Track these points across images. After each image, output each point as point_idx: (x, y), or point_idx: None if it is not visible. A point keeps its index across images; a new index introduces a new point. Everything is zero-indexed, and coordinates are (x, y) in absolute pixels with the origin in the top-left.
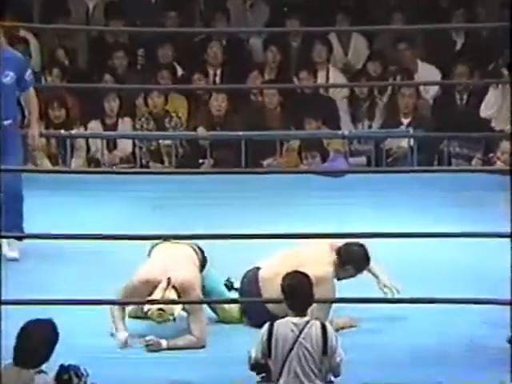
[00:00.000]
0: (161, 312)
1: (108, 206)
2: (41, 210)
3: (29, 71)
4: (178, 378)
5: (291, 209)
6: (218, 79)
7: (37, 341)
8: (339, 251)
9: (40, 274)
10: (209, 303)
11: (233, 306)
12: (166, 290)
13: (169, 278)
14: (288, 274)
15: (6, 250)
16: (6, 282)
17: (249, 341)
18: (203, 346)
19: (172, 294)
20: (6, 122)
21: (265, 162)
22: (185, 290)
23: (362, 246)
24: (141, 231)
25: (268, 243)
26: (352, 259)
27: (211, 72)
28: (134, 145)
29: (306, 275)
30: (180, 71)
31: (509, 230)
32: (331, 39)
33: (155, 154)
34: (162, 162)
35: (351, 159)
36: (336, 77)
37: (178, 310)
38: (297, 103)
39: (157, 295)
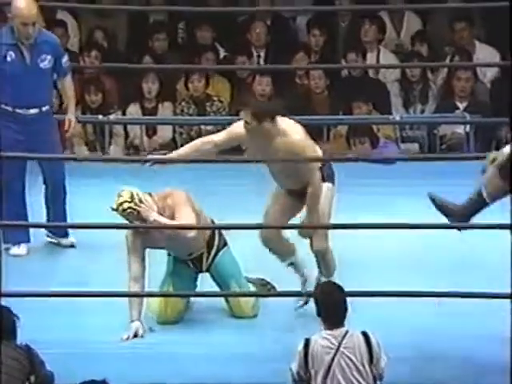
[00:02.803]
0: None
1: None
2: (80, 197)
3: (66, 57)
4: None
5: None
6: (261, 61)
7: None
8: None
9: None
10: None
11: (246, 300)
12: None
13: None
14: (320, 285)
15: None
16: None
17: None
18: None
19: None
20: (43, 109)
21: None
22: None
23: None
24: None
25: None
26: None
27: (255, 54)
28: (175, 130)
29: (339, 286)
30: (222, 53)
31: None
32: (383, 18)
33: (196, 139)
34: None
35: (403, 146)
36: (387, 58)
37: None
38: (345, 87)
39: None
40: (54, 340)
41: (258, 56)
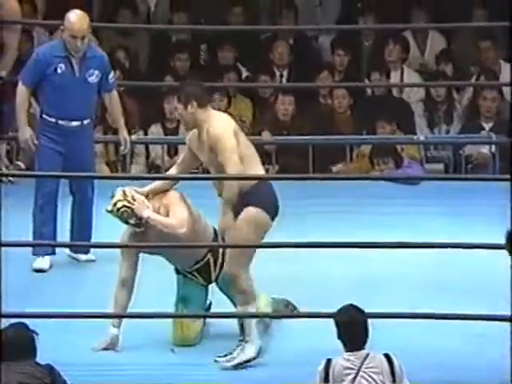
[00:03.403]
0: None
1: None
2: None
3: (112, 73)
4: None
5: (360, 217)
6: (284, 80)
7: None
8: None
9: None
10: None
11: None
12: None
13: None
14: (341, 309)
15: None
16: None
17: None
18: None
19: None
20: (85, 122)
21: (334, 168)
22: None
23: None
24: None
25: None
26: None
27: (277, 73)
28: None
29: (359, 309)
30: (244, 73)
31: None
32: (407, 37)
33: None
34: None
35: (427, 166)
36: (411, 78)
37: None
38: (368, 106)
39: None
40: (76, 361)
41: (281, 75)
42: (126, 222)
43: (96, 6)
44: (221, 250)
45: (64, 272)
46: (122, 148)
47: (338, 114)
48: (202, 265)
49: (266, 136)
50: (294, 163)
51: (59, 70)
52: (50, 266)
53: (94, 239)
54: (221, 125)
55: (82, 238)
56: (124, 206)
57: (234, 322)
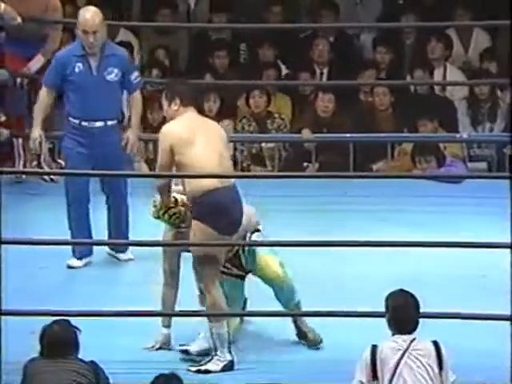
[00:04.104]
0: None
1: None
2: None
3: (136, 73)
4: None
5: (401, 215)
6: (324, 78)
7: None
8: None
9: None
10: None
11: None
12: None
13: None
14: (392, 293)
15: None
16: None
17: None
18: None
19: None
20: (109, 123)
21: (375, 166)
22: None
23: None
24: None
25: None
26: None
27: (318, 71)
28: (235, 147)
29: (412, 294)
30: (284, 70)
31: None
32: (450, 35)
33: (257, 157)
34: (264, 166)
35: (470, 164)
36: (454, 75)
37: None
38: (410, 104)
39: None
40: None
41: (321, 73)
42: (178, 227)
43: (135, 6)
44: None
45: (101, 269)
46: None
47: (379, 111)
48: (232, 255)
49: (306, 134)
50: (334, 161)
51: (77, 69)
52: (85, 264)
53: (131, 238)
54: (169, 127)
55: (119, 237)
56: (176, 213)
57: (275, 319)
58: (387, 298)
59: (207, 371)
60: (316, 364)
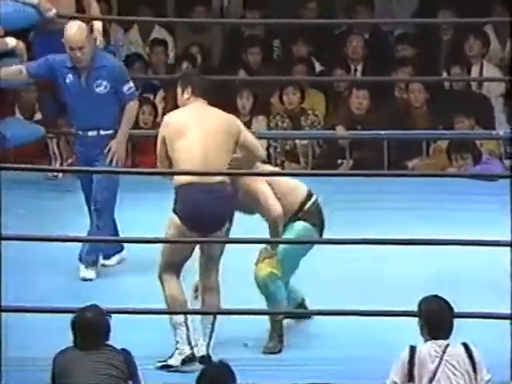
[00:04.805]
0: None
1: None
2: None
3: (128, 84)
4: None
5: (433, 213)
6: (358, 75)
7: None
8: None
9: None
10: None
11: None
12: None
13: None
14: (425, 299)
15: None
16: None
17: None
18: None
19: None
20: (102, 132)
21: (410, 164)
22: None
23: None
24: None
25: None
26: None
27: (352, 67)
28: (269, 144)
29: (445, 300)
30: (318, 67)
31: None
32: (488, 32)
33: (290, 153)
34: (298, 163)
35: (507, 162)
36: (491, 72)
37: None
38: (446, 101)
39: None
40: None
41: (355, 70)
42: None
43: (170, 3)
44: None
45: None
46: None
47: (414, 108)
48: None
49: (340, 130)
50: (369, 158)
51: (68, 80)
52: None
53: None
54: (167, 119)
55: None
56: None
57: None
58: (420, 304)
59: (168, 366)
60: (352, 362)
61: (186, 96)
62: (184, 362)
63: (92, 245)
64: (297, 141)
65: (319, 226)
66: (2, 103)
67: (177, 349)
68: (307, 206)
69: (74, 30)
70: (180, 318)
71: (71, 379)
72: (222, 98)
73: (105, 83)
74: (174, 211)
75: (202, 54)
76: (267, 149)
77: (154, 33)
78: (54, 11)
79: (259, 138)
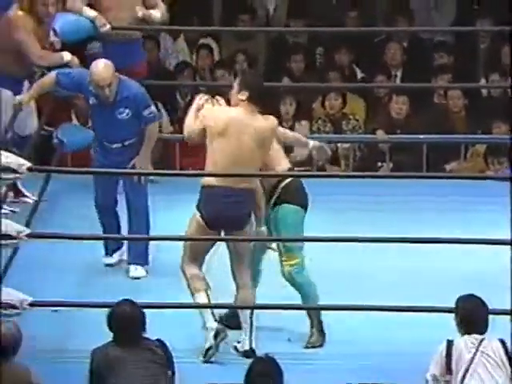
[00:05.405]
0: None
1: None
2: None
3: (150, 108)
4: None
5: (468, 215)
6: (398, 81)
7: None
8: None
9: None
10: None
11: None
12: None
13: None
14: (463, 296)
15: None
16: None
17: None
18: None
19: None
20: (126, 143)
21: (448, 167)
22: None
23: None
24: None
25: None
26: None
27: (392, 74)
28: None
29: (480, 298)
30: (359, 74)
31: None
32: None
33: (332, 157)
34: (339, 165)
35: None
36: None
37: None
38: (484, 107)
39: None
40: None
41: (395, 76)
42: None
43: (216, 12)
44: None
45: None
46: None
47: (452, 113)
48: None
49: (381, 134)
50: (408, 161)
51: (91, 102)
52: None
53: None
54: (220, 112)
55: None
56: None
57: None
58: (458, 301)
59: (207, 351)
60: (393, 357)
61: (240, 97)
62: (216, 336)
63: (137, 245)
64: (338, 144)
65: (305, 207)
66: (61, 110)
67: (206, 329)
68: (285, 183)
69: (101, 67)
70: (204, 299)
71: (115, 380)
72: (265, 104)
73: (127, 111)
74: (198, 208)
75: (247, 62)
76: (310, 152)
77: (201, 40)
78: (108, 26)
79: None
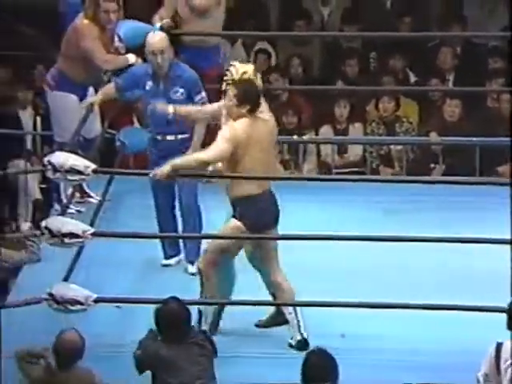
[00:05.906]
0: None
1: (338, 210)
2: None
3: (201, 94)
4: None
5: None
6: (450, 84)
7: None
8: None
9: None
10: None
11: None
12: None
13: None
14: None
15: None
16: None
17: None
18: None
19: None
20: (179, 136)
21: (500, 169)
22: None
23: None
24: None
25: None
26: None
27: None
28: (365, 149)
29: None
30: (413, 78)
31: None
32: None
33: (385, 158)
34: (393, 167)
35: None
36: None
37: None
38: None
39: None
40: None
41: (448, 80)
42: None
43: (273, 17)
44: None
45: None
46: None
47: (504, 116)
48: None
49: (434, 137)
50: (461, 164)
51: (147, 87)
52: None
53: None
54: (246, 127)
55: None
56: None
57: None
58: (511, 303)
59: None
60: (444, 355)
61: (242, 110)
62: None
63: (192, 244)
64: (391, 146)
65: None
66: (123, 114)
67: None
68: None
69: (156, 36)
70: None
71: (173, 379)
72: (321, 107)
73: (181, 90)
74: (241, 218)
75: (302, 66)
76: (363, 153)
77: (258, 45)
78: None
79: (356, 143)
